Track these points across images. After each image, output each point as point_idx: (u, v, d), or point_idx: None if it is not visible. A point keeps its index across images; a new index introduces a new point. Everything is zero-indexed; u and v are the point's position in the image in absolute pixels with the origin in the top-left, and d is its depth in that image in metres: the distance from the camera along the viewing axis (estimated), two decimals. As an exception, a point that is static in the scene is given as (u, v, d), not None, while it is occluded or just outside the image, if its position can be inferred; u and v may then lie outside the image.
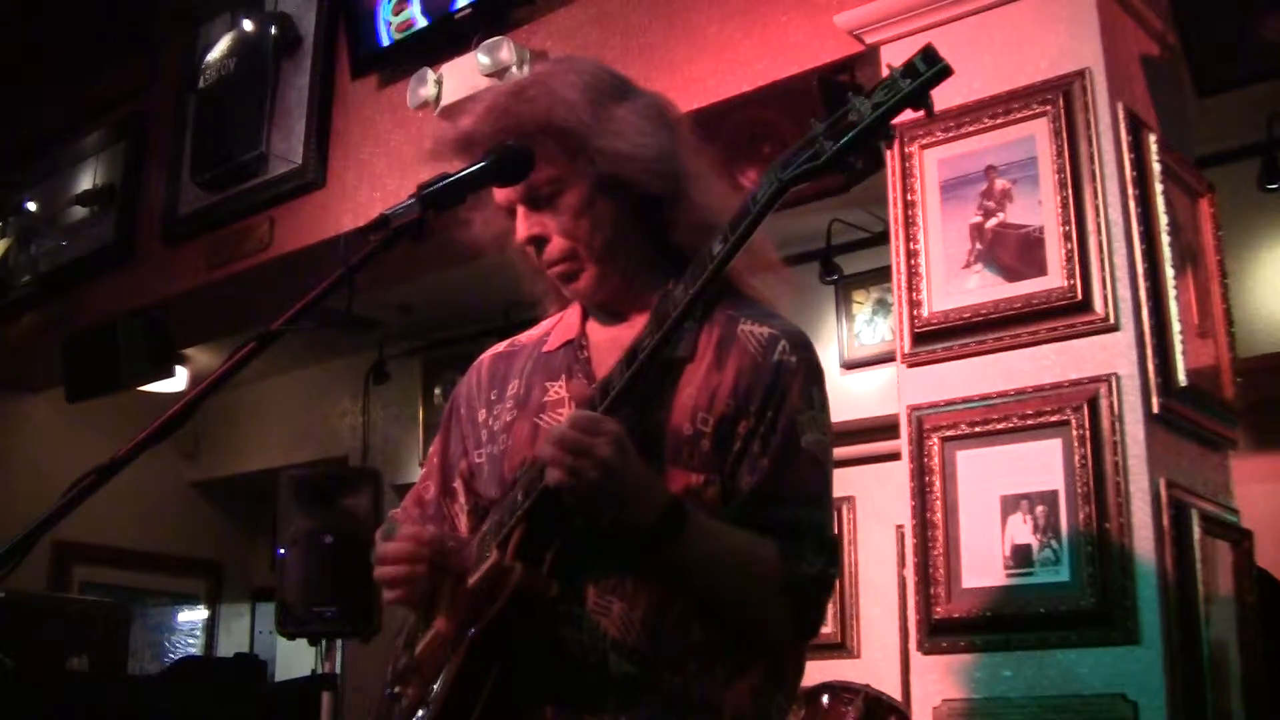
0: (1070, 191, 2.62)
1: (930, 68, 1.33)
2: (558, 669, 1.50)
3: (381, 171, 4.26)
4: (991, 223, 2.72)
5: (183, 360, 5.80)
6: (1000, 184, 2.71)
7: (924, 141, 2.81)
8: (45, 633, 4.54)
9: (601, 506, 1.45)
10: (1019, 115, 2.71)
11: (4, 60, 5.83)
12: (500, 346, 1.84)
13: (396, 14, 4.19)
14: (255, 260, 4.63)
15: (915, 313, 2.78)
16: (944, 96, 2.84)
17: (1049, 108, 2.69)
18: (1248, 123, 3.89)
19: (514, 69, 3.69)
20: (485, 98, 1.67)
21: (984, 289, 2.70)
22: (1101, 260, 2.57)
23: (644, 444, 1.50)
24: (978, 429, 2.64)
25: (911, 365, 2.79)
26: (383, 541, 1.65)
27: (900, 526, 4.31)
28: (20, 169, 5.87)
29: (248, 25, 4.76)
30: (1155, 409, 2.51)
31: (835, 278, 4.99)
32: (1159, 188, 2.67)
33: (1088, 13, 2.72)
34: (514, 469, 1.62)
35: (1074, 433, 2.51)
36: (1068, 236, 2.60)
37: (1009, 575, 2.53)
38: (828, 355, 5.07)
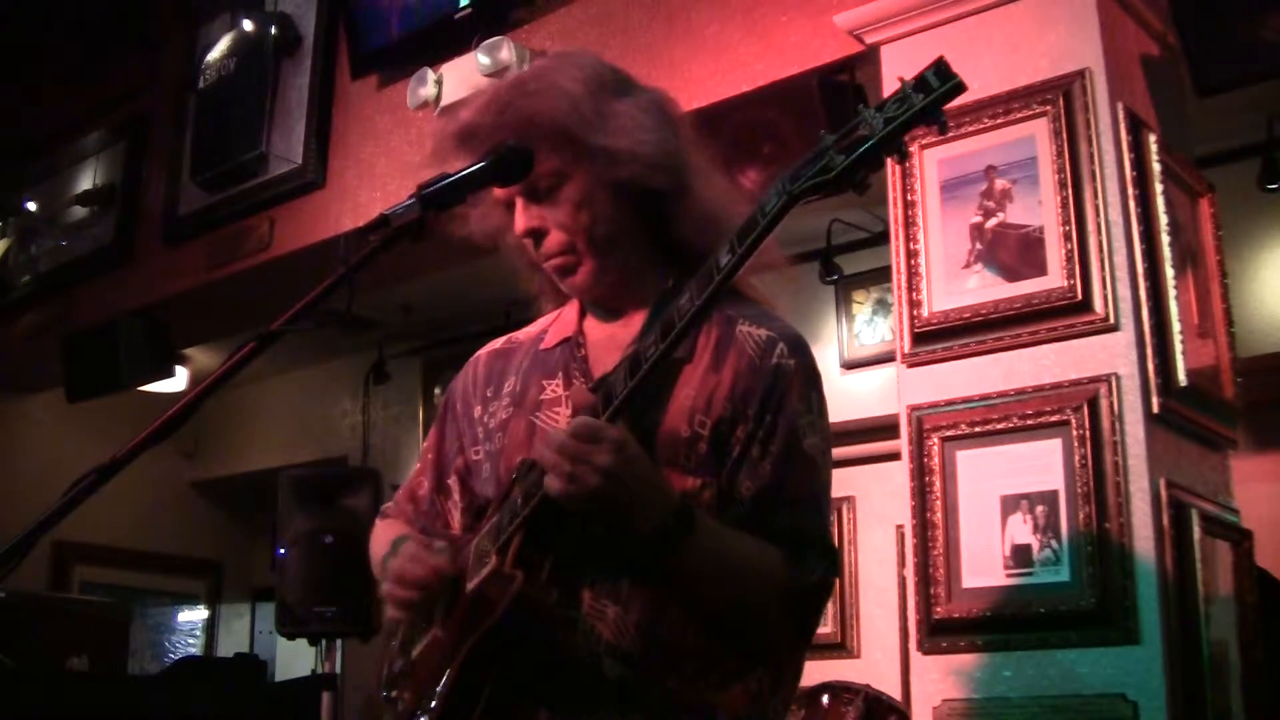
0: (1070, 191, 2.62)
1: (943, 83, 1.32)
2: (553, 673, 1.50)
3: (381, 171, 4.26)
4: (991, 223, 2.72)
5: (183, 360, 5.80)
6: (1000, 184, 2.71)
7: (924, 141, 2.81)
8: (45, 633, 4.54)
9: (604, 512, 1.44)
10: (1019, 115, 2.71)
11: (4, 60, 5.82)
12: (497, 343, 1.83)
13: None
14: (255, 260, 4.63)
15: (915, 313, 2.78)
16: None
17: (1049, 108, 2.69)
18: (1248, 123, 3.90)
19: (514, 69, 3.69)
20: (486, 92, 1.67)
21: (984, 289, 2.70)
22: (1101, 260, 2.57)
23: (650, 449, 1.50)
24: (978, 429, 2.64)
25: (911, 365, 2.79)
26: (396, 559, 1.62)
27: (900, 526, 4.31)
28: (20, 169, 5.87)
29: (248, 25, 4.76)
30: (1155, 409, 2.51)
31: (835, 278, 4.99)
32: (1159, 188, 2.67)
33: (1088, 13, 2.72)
34: (510, 468, 1.61)
35: (1074, 433, 2.51)
36: (1068, 236, 2.60)
37: (1009, 575, 2.53)
38: (828, 355, 5.07)
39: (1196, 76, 2.87)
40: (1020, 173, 2.69)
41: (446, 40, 3.96)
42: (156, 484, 6.80)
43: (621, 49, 3.59)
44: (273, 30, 4.65)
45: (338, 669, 4.83)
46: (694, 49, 3.47)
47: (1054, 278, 2.61)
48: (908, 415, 2.76)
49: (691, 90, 3.37)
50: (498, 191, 1.65)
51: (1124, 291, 2.56)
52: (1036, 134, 2.69)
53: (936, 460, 2.67)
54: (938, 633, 2.60)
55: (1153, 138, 2.71)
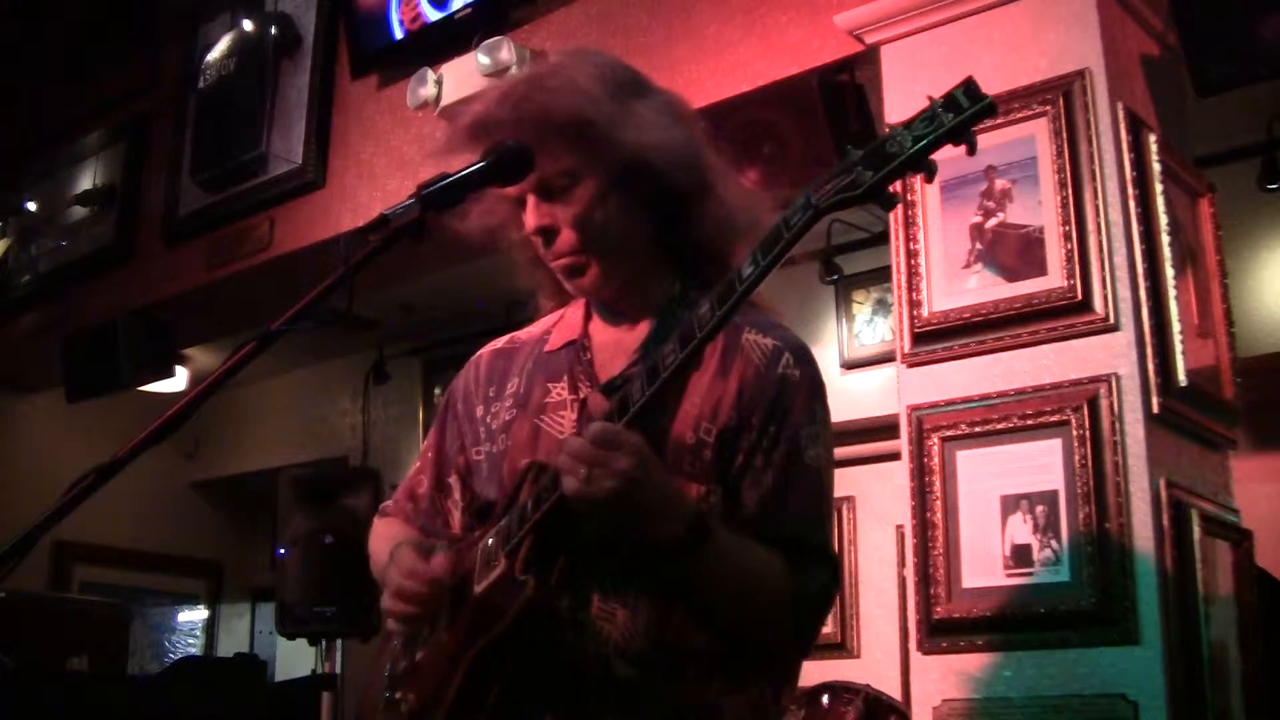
0: (1070, 191, 2.62)
1: (973, 103, 1.33)
2: (560, 675, 1.49)
3: (381, 171, 4.26)
4: (991, 223, 2.72)
5: (183, 360, 5.80)
6: (1000, 184, 2.71)
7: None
8: (45, 633, 4.54)
9: (618, 518, 1.43)
10: (1019, 115, 2.71)
11: (4, 60, 5.82)
12: (499, 342, 1.82)
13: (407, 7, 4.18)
14: (255, 260, 4.63)
15: (915, 313, 2.78)
16: (944, 96, 2.84)
17: (1049, 108, 2.69)
18: (1248, 123, 3.89)
19: (514, 69, 3.69)
20: (500, 86, 1.65)
21: (984, 289, 2.70)
22: (1101, 260, 2.57)
23: (659, 452, 1.49)
24: (978, 429, 2.64)
25: (911, 365, 2.79)
26: (393, 571, 1.61)
27: (900, 526, 4.31)
28: (20, 169, 5.87)
29: (248, 25, 4.76)
30: (1155, 409, 2.51)
31: (835, 278, 4.99)
32: (1159, 188, 2.67)
33: (1088, 13, 2.72)
34: (514, 470, 1.60)
35: (1074, 433, 2.51)
36: (1068, 236, 2.60)
37: (1009, 575, 2.53)
38: (828, 355, 5.07)
39: (1196, 76, 2.86)
40: (1020, 173, 2.69)
41: (446, 40, 3.96)
42: (156, 484, 6.79)
43: (621, 49, 3.59)
44: (273, 30, 4.66)
45: (338, 669, 4.83)
46: (694, 49, 3.47)
47: (1054, 278, 2.61)
48: (908, 415, 2.76)
49: (691, 90, 3.37)
50: (508, 187, 1.64)
51: (1124, 291, 2.56)
52: (1036, 134, 2.69)
53: (936, 460, 2.67)
54: (938, 633, 2.60)
55: (1153, 138, 2.71)
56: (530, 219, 1.62)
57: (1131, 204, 2.62)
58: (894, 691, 3.70)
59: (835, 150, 3.18)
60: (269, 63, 4.65)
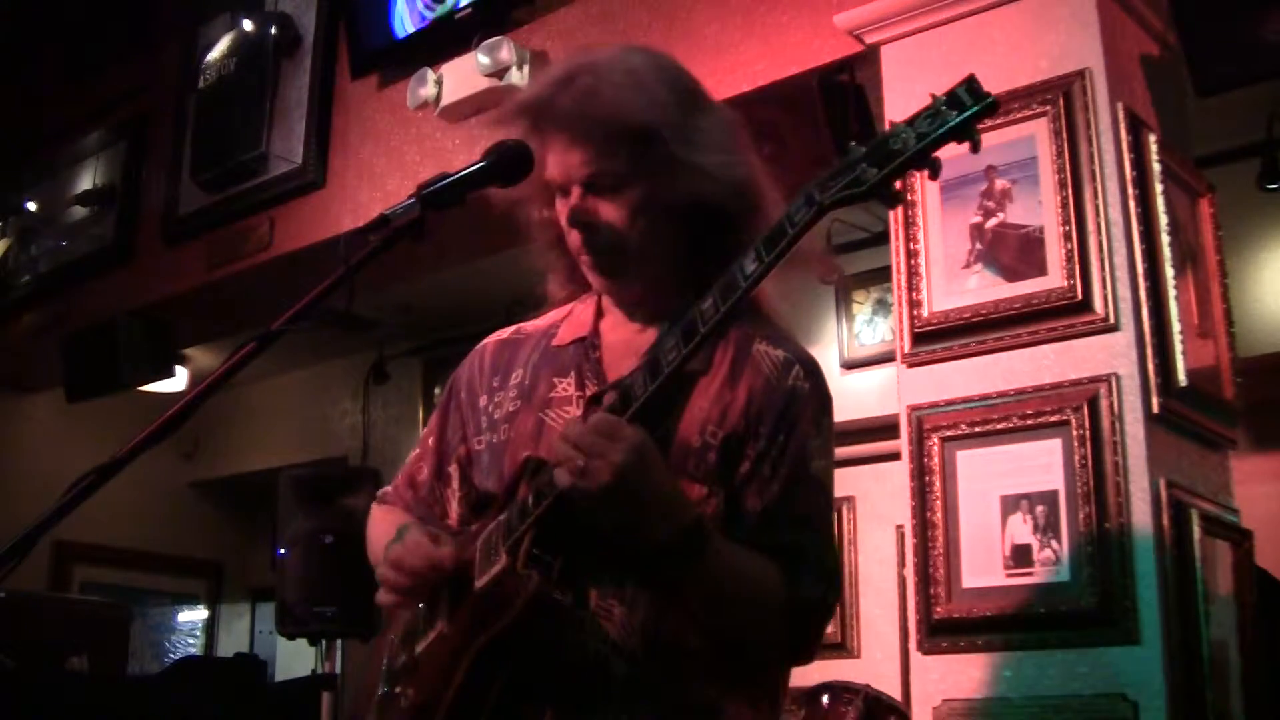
0: (1070, 191, 2.62)
1: (976, 101, 1.32)
2: (560, 672, 1.49)
3: (381, 171, 4.26)
4: (991, 223, 2.72)
5: (183, 360, 5.80)
6: (1000, 184, 2.71)
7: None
8: (45, 633, 4.54)
9: (612, 513, 1.42)
10: (1019, 115, 2.71)
11: (4, 60, 5.83)
12: (505, 333, 1.81)
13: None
14: (255, 260, 4.63)
15: (915, 313, 2.78)
16: (944, 96, 2.84)
17: (1049, 108, 2.69)
18: (1248, 123, 3.90)
19: (514, 69, 3.70)
20: (560, 71, 1.63)
21: (984, 289, 2.70)
22: (1101, 260, 2.57)
23: (661, 448, 1.49)
24: (978, 429, 2.64)
25: (911, 365, 2.79)
26: (398, 544, 1.60)
27: (900, 526, 4.31)
28: (20, 169, 5.87)
29: (248, 25, 4.76)
30: (1155, 409, 2.51)
31: (835, 278, 4.98)
32: (1159, 188, 2.67)
33: (1088, 13, 2.72)
34: (515, 463, 1.60)
35: (1074, 433, 2.51)
36: (1068, 236, 2.60)
37: (1009, 575, 2.53)
38: (828, 355, 5.07)
39: (1196, 76, 2.86)
40: (1020, 173, 2.69)
41: (446, 40, 3.96)
42: (156, 484, 6.80)
43: (621, 49, 3.58)
44: (273, 30, 4.65)
45: (338, 669, 4.83)
46: (694, 49, 3.47)
47: (1054, 278, 2.61)
48: (908, 415, 2.76)
49: (691, 90, 3.36)
50: (555, 172, 1.61)
51: (1124, 291, 2.56)
52: (1036, 134, 2.69)
53: (936, 460, 2.67)
54: (938, 633, 2.60)
55: (1153, 138, 2.71)
56: (572, 211, 1.61)
57: (1131, 204, 2.62)
58: (894, 691, 3.70)
59: (835, 150, 3.16)
60: (269, 63, 4.65)
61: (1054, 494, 2.51)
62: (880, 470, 4.66)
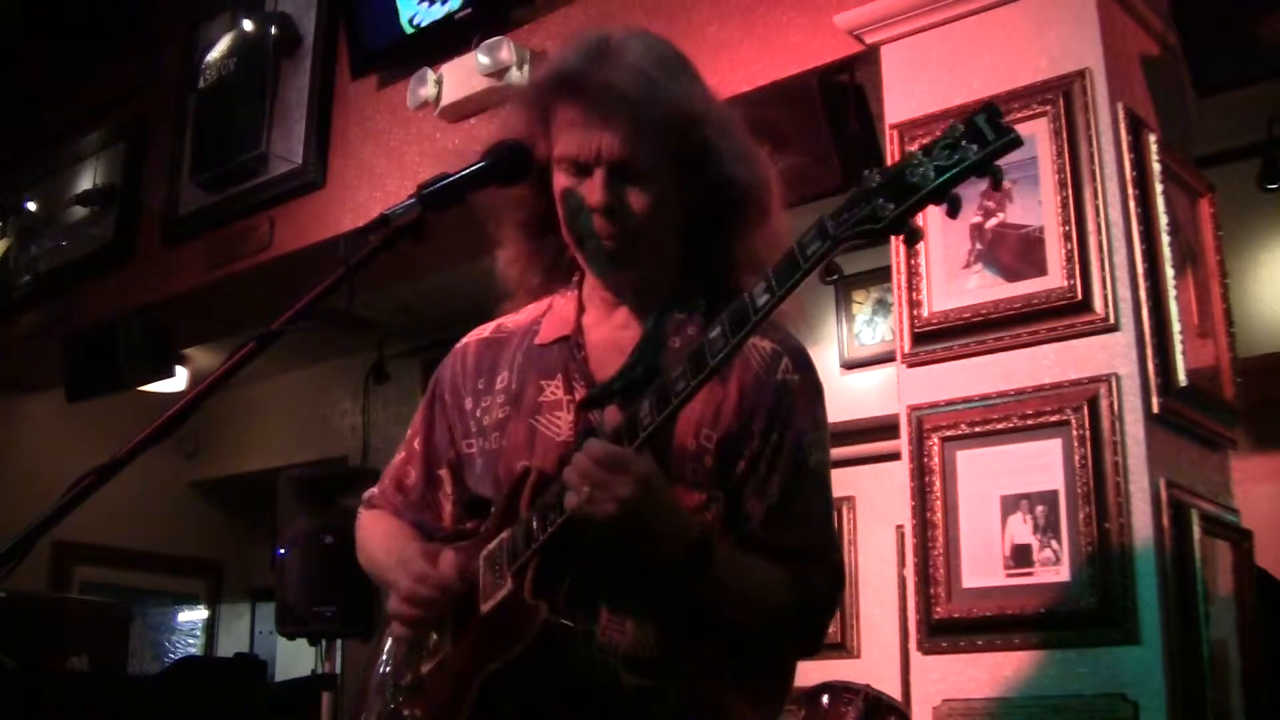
0: (1070, 191, 2.62)
1: (998, 136, 1.26)
2: (569, 688, 1.49)
3: (381, 171, 4.26)
4: (991, 223, 2.72)
5: (183, 360, 5.80)
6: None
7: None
8: (45, 633, 4.54)
9: (620, 540, 1.43)
10: (1019, 115, 2.71)
11: (4, 60, 5.82)
12: (486, 330, 1.79)
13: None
14: (255, 260, 4.63)
15: (915, 313, 2.78)
16: (944, 96, 2.84)
17: (1049, 108, 2.69)
18: (1248, 123, 3.89)
19: (514, 69, 3.69)
20: (591, 45, 1.61)
21: (984, 289, 2.70)
22: (1101, 260, 2.57)
23: (659, 460, 1.49)
24: (978, 429, 2.64)
25: (911, 365, 2.79)
26: (401, 574, 1.58)
27: (900, 526, 4.31)
28: (20, 169, 5.87)
29: (248, 25, 4.76)
30: (1155, 409, 2.51)
31: (835, 278, 4.99)
32: (1159, 188, 2.67)
33: (1088, 13, 2.72)
34: (510, 471, 1.59)
35: (1074, 433, 2.50)
36: (1068, 236, 2.60)
37: (1009, 575, 2.53)
38: (828, 355, 5.07)
39: (1197, 76, 2.87)
40: (1020, 173, 2.69)
41: (446, 40, 3.96)
42: (156, 484, 6.80)
43: (621, 49, 3.58)
44: (273, 30, 4.65)
45: (338, 669, 4.83)
46: (694, 49, 3.42)
47: (1054, 278, 2.61)
48: (908, 415, 2.76)
49: (691, 90, 3.36)
50: (581, 150, 1.57)
51: (1124, 291, 2.56)
52: (1036, 134, 2.69)
53: (936, 460, 2.67)
54: (938, 633, 2.60)
55: (1153, 138, 2.71)
56: (598, 193, 1.56)
57: (1131, 204, 2.62)
58: (894, 691, 3.70)
59: (835, 150, 3.18)
60: (269, 63, 4.64)
61: (1054, 494, 2.51)
62: (880, 470, 4.66)
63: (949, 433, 2.67)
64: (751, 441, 1.55)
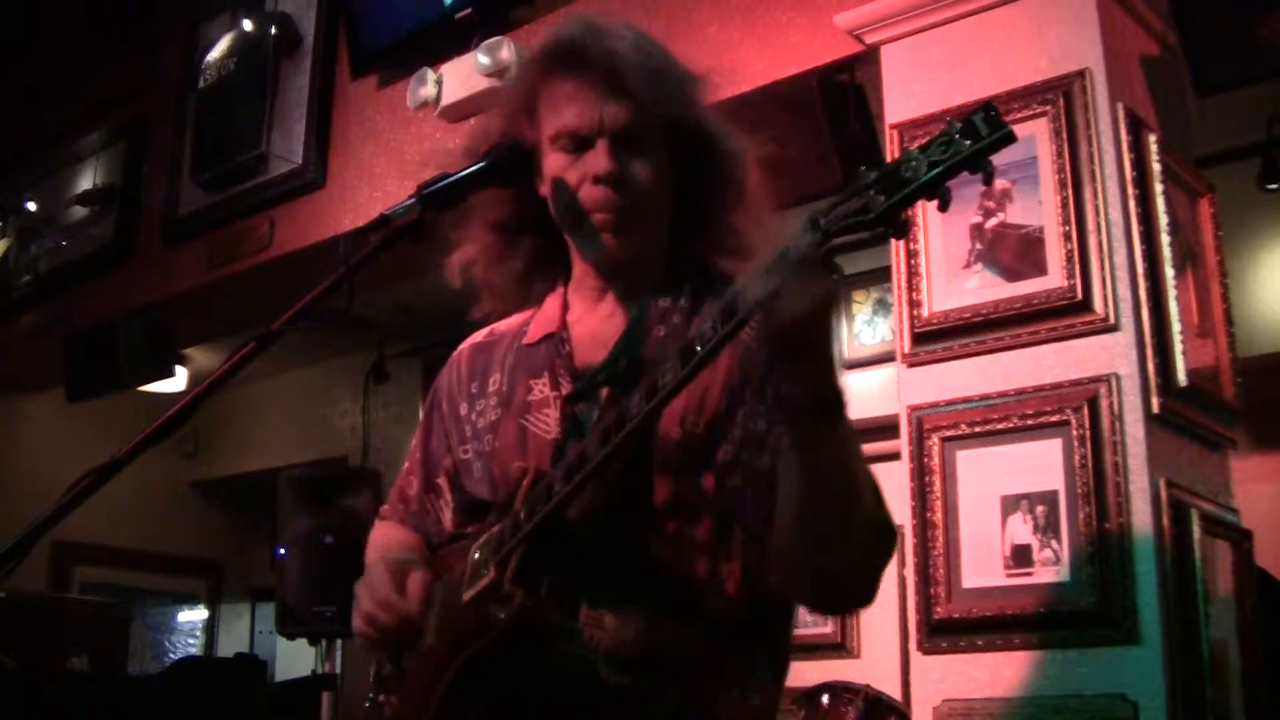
0: (1070, 191, 2.62)
1: (992, 131, 1.27)
2: (548, 682, 1.48)
3: (381, 171, 4.26)
4: (991, 223, 2.72)
5: (183, 360, 5.80)
6: (1000, 184, 2.71)
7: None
8: (45, 633, 4.54)
9: (784, 354, 1.34)
10: (1019, 115, 2.71)
11: (4, 60, 5.82)
12: (479, 336, 1.80)
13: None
14: (255, 260, 4.63)
15: (915, 313, 2.78)
16: (943, 96, 2.84)
17: (1049, 108, 2.69)
18: (1248, 123, 3.90)
19: (514, 69, 3.69)
20: (582, 24, 1.62)
21: (984, 289, 2.70)
22: (1101, 260, 2.57)
23: (641, 451, 1.47)
24: (978, 429, 2.64)
25: (911, 365, 2.79)
26: (365, 596, 1.58)
27: (900, 526, 4.31)
28: (20, 169, 5.87)
29: (248, 25, 4.76)
30: (1155, 409, 2.51)
31: (835, 278, 4.98)
32: (1159, 188, 2.67)
33: (1088, 13, 2.72)
34: (504, 471, 1.59)
35: (1074, 433, 2.51)
36: (1068, 236, 2.60)
37: (1009, 575, 2.53)
38: (828, 355, 5.06)
39: (1197, 76, 2.87)
40: (1020, 173, 2.69)
41: (446, 40, 3.96)
42: (156, 484, 6.80)
43: (621, 49, 3.58)
44: (273, 30, 4.65)
45: (338, 669, 4.83)
46: (694, 49, 3.46)
47: (1054, 278, 2.61)
48: (908, 415, 2.76)
49: (691, 90, 3.36)
50: (581, 122, 1.56)
51: (1124, 291, 2.56)
52: (1036, 134, 2.69)
53: (936, 460, 2.67)
54: (938, 633, 2.60)
55: (1153, 138, 2.71)
56: (604, 161, 1.55)
57: (1131, 204, 2.62)
58: (894, 691, 3.70)
59: (835, 150, 3.19)
60: (269, 63, 4.65)
61: (1054, 494, 2.51)
62: (880, 470, 4.62)
63: (949, 433, 2.67)
64: (743, 406, 1.51)
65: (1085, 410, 2.50)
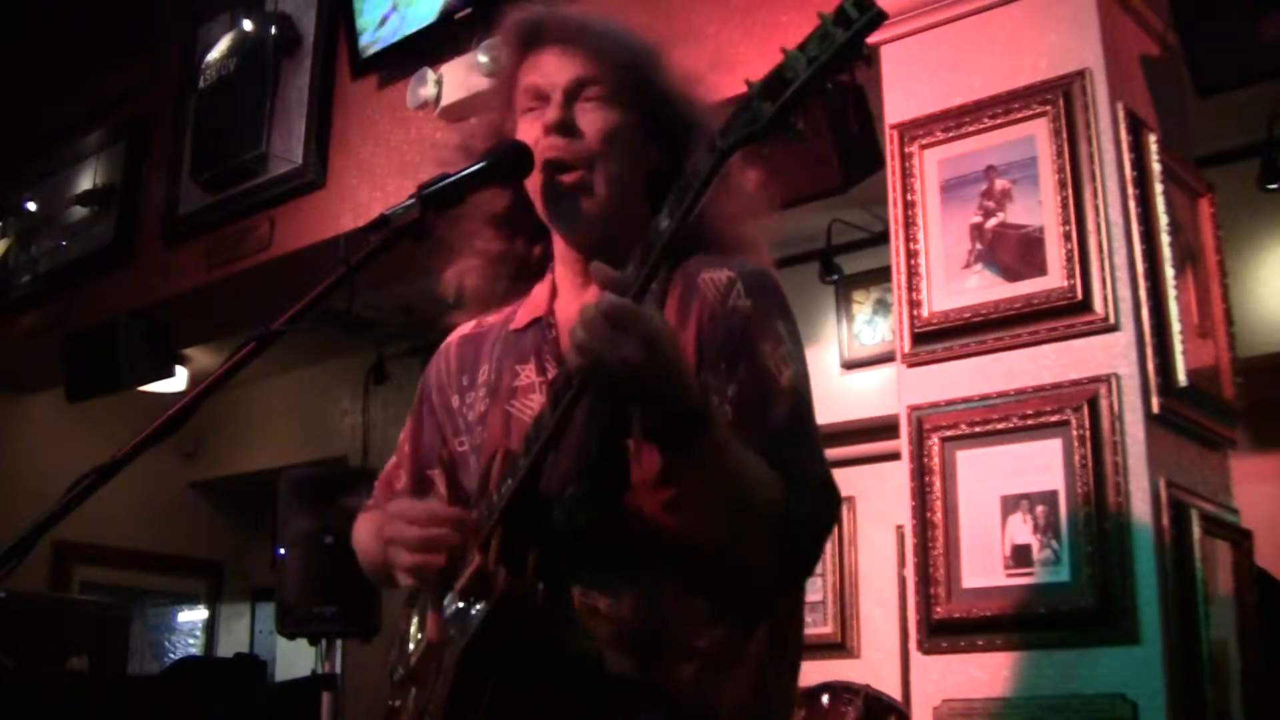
0: (1070, 191, 2.62)
1: (862, 14, 1.26)
2: (553, 673, 1.47)
3: (381, 171, 4.26)
4: (991, 223, 2.72)
5: (183, 360, 5.80)
6: (1000, 184, 2.71)
7: (924, 141, 2.81)
8: (45, 633, 4.54)
9: (619, 399, 1.37)
10: (1019, 115, 2.71)
11: (4, 60, 5.83)
12: (467, 327, 1.78)
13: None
14: (255, 260, 4.63)
15: (915, 313, 2.78)
16: (944, 96, 2.84)
17: (1049, 108, 2.69)
18: (1248, 123, 3.89)
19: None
20: (580, 5, 1.68)
21: (984, 289, 2.70)
22: (1101, 260, 2.57)
23: (604, 420, 1.45)
24: (978, 429, 2.64)
25: (911, 365, 2.79)
26: (411, 516, 1.52)
27: (900, 526, 4.31)
28: (20, 169, 5.88)
29: (248, 25, 4.76)
30: (1155, 409, 2.51)
31: (835, 278, 4.99)
32: (1159, 188, 2.67)
33: (1088, 13, 2.72)
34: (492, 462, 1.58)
35: (1074, 433, 2.51)
36: (1068, 236, 2.60)
37: (1009, 575, 2.53)
38: (828, 355, 5.07)
39: (1196, 76, 2.87)
40: (1020, 173, 2.69)
41: (446, 40, 3.96)
42: (156, 484, 6.80)
43: (621, 49, 3.58)
44: (273, 30, 4.66)
45: (338, 669, 4.82)
46: (694, 49, 3.43)
47: (1054, 278, 2.61)
48: (908, 415, 2.76)
49: (691, 90, 3.36)
50: (540, 80, 1.60)
51: (1124, 291, 2.56)
52: (1036, 134, 2.69)
53: (936, 460, 2.67)
54: (938, 633, 2.60)
55: (1153, 138, 2.71)
56: (551, 112, 1.57)
57: (1131, 204, 2.62)
58: (894, 691, 3.70)
59: (835, 150, 3.18)
60: (269, 63, 4.65)
61: (1054, 494, 2.51)
62: (880, 470, 4.65)
63: (949, 433, 2.67)
64: (710, 372, 1.49)
65: (1085, 410, 2.50)
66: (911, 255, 2.81)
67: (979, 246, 2.73)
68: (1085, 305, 2.56)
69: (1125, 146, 2.63)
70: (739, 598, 1.49)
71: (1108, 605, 2.40)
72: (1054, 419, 2.54)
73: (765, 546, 1.43)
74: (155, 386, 5.58)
